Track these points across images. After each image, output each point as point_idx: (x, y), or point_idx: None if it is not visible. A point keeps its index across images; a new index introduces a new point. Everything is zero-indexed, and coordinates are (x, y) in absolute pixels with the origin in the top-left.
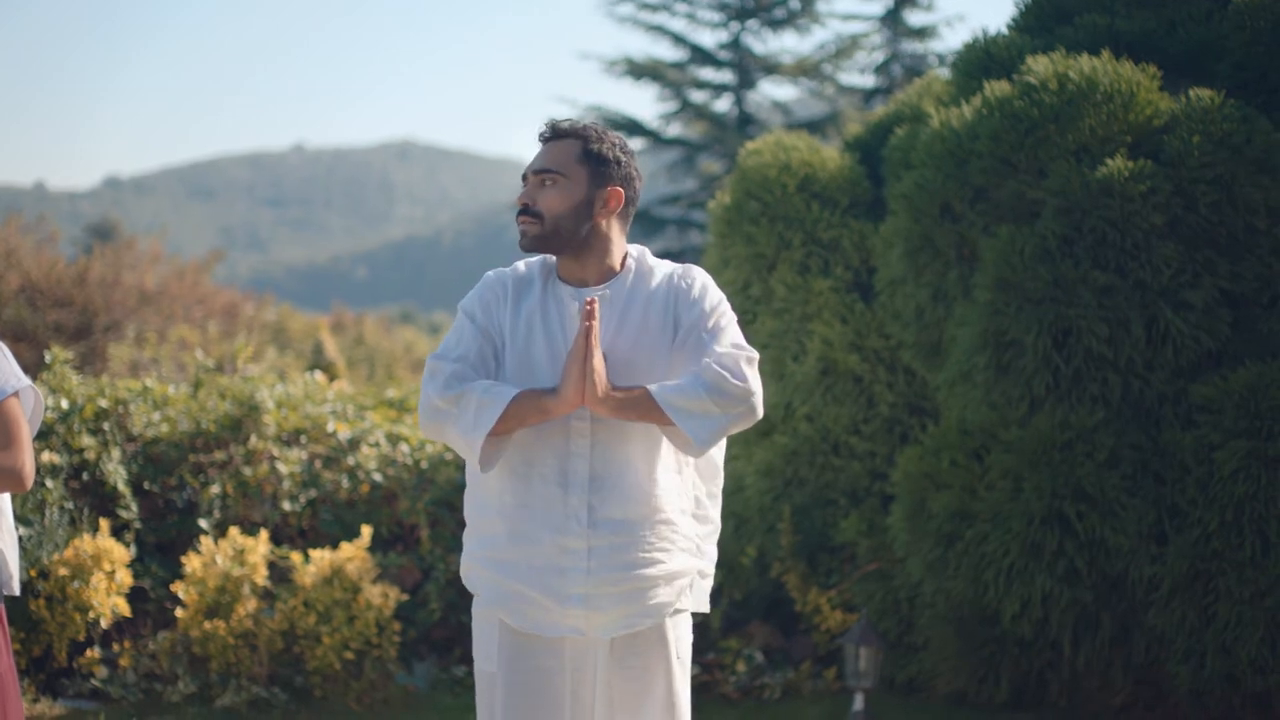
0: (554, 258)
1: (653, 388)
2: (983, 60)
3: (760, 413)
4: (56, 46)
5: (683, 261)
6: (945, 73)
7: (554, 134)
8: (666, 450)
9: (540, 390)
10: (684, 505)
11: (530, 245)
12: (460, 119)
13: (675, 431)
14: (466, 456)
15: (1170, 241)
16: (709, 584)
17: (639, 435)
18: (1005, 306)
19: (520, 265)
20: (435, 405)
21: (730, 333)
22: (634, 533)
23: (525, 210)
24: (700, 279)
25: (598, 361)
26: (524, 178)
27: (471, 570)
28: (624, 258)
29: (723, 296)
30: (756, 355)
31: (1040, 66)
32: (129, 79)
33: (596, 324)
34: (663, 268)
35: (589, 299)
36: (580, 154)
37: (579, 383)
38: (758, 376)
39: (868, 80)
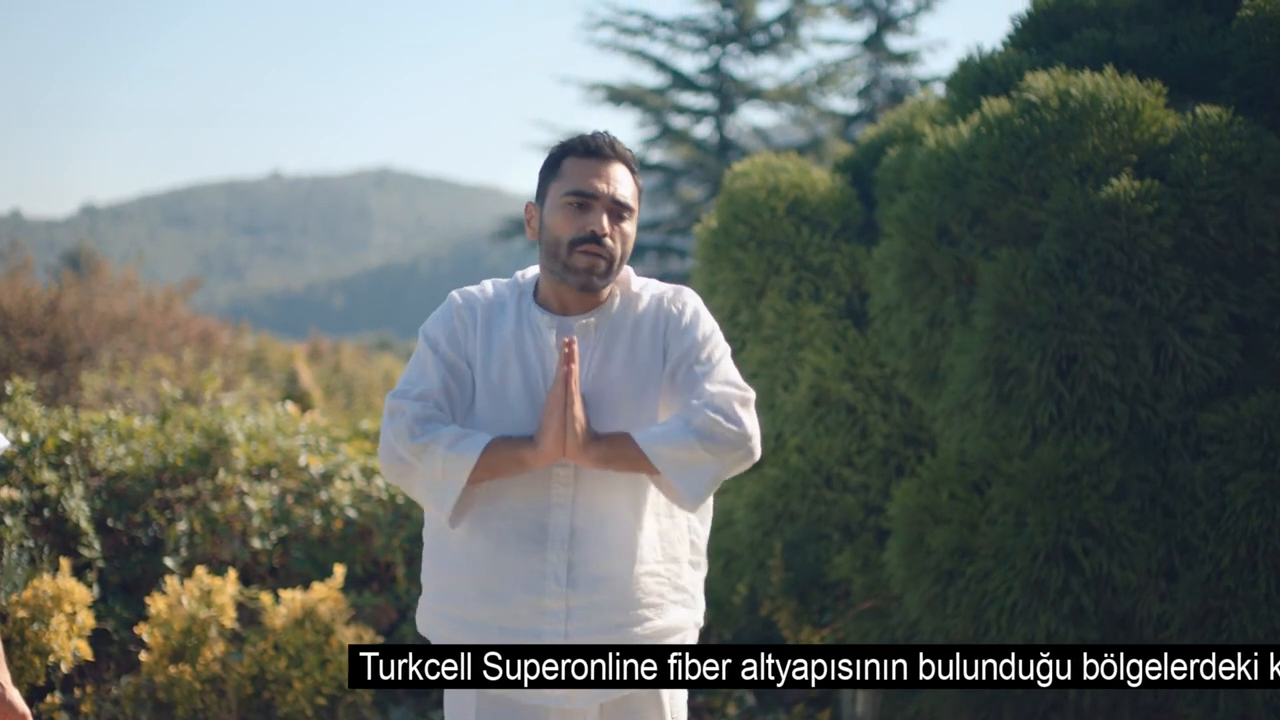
0: (528, 277)
1: (639, 436)
2: (979, 77)
3: (757, 455)
4: (34, 75)
5: None
6: (937, 91)
7: (619, 156)
8: (655, 494)
9: (516, 440)
10: (677, 552)
11: (595, 284)
12: (437, 146)
13: (665, 482)
14: (431, 509)
15: (1178, 264)
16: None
17: (625, 482)
18: (1006, 333)
19: (488, 286)
20: (398, 453)
21: (723, 368)
22: (617, 590)
23: (597, 240)
24: (692, 304)
25: (578, 410)
26: (583, 196)
27: (434, 625)
28: None
29: (716, 326)
30: (753, 395)
31: (1040, 83)
32: (106, 108)
33: (576, 368)
34: (650, 289)
35: (566, 339)
36: (638, 187)
37: (559, 434)
38: (754, 417)
39: (850, 105)
